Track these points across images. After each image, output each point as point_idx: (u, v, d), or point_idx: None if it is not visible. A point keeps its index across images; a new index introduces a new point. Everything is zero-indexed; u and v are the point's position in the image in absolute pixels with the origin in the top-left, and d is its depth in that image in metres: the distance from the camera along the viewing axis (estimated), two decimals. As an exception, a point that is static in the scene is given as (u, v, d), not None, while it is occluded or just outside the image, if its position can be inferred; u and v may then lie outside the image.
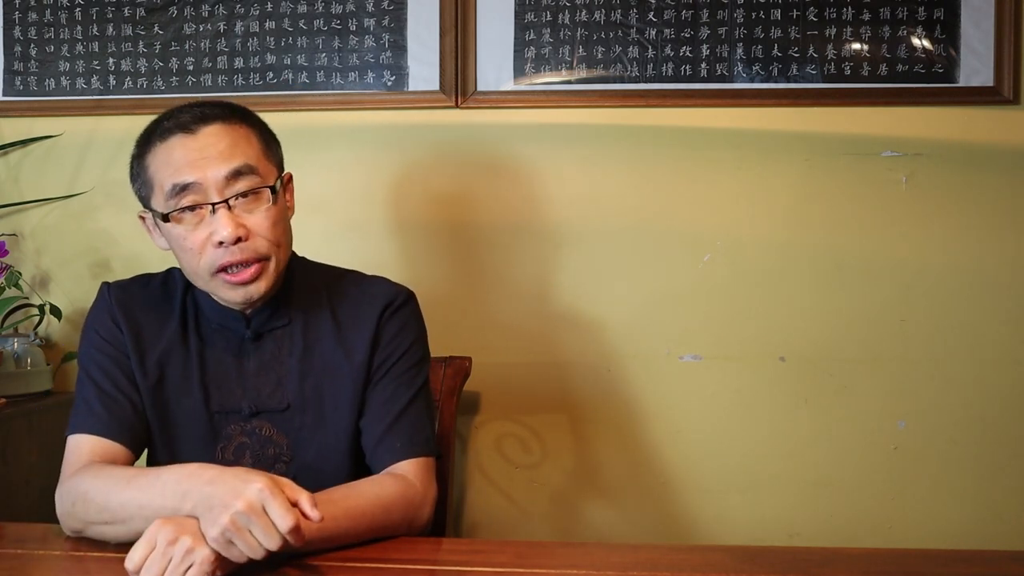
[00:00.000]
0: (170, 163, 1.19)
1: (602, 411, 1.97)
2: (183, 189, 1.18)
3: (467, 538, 1.96)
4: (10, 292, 1.92)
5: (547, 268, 1.98)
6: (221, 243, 1.18)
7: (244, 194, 1.20)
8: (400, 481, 1.20)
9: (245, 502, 0.95)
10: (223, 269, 1.20)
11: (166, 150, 1.20)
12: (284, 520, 0.94)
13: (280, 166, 1.29)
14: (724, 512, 1.95)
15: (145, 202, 1.25)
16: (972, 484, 1.91)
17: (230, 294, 1.22)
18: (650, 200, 1.95)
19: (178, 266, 1.34)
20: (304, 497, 0.98)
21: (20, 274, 1.95)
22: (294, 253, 1.33)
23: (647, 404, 1.96)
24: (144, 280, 1.34)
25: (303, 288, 1.31)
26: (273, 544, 0.94)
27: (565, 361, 1.98)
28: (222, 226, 1.17)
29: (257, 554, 0.95)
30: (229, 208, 1.19)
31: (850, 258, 1.92)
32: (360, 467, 1.28)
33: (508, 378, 1.98)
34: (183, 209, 1.19)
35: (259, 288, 1.22)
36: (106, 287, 1.32)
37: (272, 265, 1.22)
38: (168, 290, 1.32)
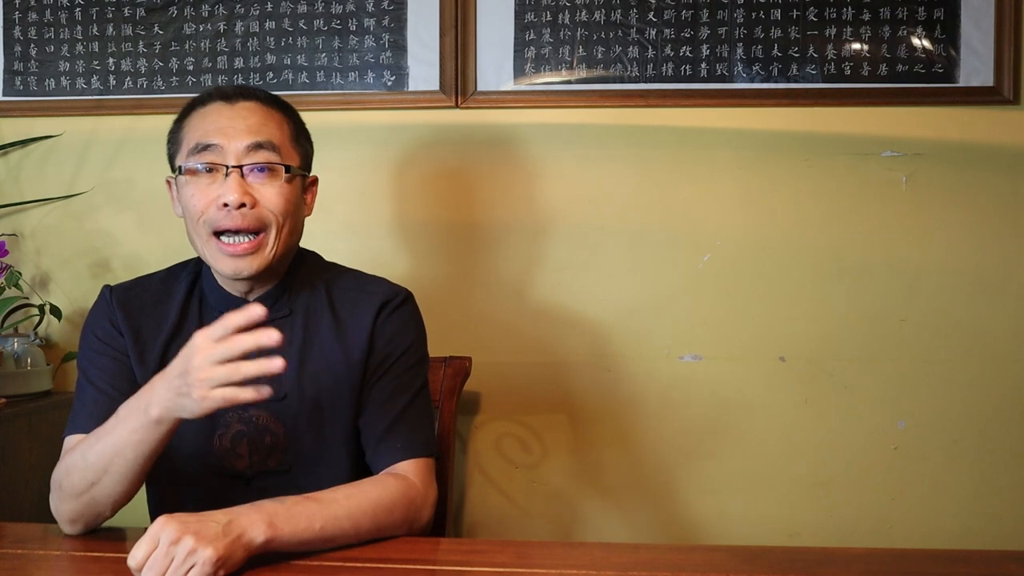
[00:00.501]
0: (202, 125, 1.24)
1: (602, 411, 1.97)
2: (204, 148, 1.22)
3: (467, 538, 1.96)
4: (10, 292, 1.92)
5: (547, 268, 1.98)
6: (226, 205, 1.20)
7: (261, 169, 1.23)
8: (401, 481, 1.20)
9: (193, 349, 1.00)
10: (221, 233, 1.22)
11: (202, 114, 1.26)
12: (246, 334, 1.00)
13: (306, 161, 1.32)
14: (724, 512, 1.95)
15: (172, 160, 1.29)
16: (972, 484, 1.91)
17: (222, 263, 1.23)
18: (650, 200, 1.95)
19: (179, 261, 1.36)
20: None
21: (20, 274, 1.95)
22: (302, 248, 1.35)
23: (647, 404, 1.96)
24: (145, 279, 1.35)
25: (306, 282, 1.33)
26: (234, 348, 0.98)
27: (565, 361, 1.98)
28: (230, 189, 1.20)
29: (236, 373, 0.98)
30: (242, 176, 1.22)
31: (850, 258, 1.92)
32: (358, 463, 1.29)
33: (508, 378, 1.98)
34: (199, 166, 1.22)
35: (251, 264, 1.23)
36: (107, 289, 1.33)
37: (270, 239, 1.24)
38: (170, 285, 1.33)
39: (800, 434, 1.94)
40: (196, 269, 1.34)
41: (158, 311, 1.31)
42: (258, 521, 1.03)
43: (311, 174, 1.34)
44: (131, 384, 1.26)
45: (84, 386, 1.27)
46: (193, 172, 1.23)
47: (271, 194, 1.23)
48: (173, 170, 1.29)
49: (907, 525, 1.92)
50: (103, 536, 1.17)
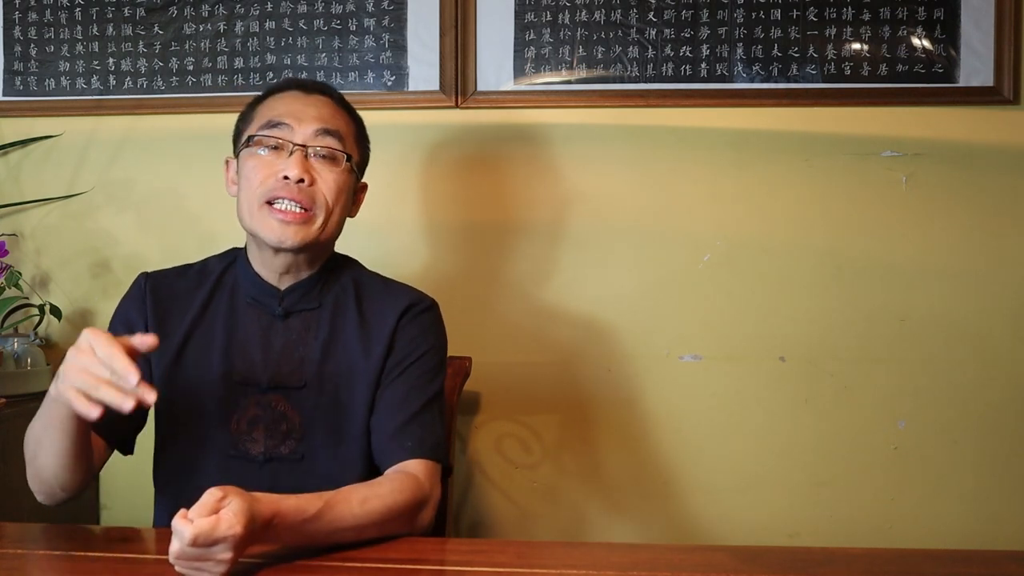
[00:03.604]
0: (275, 107, 1.31)
1: (602, 411, 1.97)
2: (275, 125, 1.29)
3: (467, 538, 1.96)
4: (10, 292, 1.92)
5: (546, 268, 1.98)
6: (286, 178, 1.25)
7: (324, 155, 1.28)
8: (412, 481, 1.20)
9: (77, 345, 1.01)
10: (274, 200, 1.26)
11: (278, 98, 1.33)
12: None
13: (364, 163, 1.38)
14: (724, 512, 1.95)
15: (236, 140, 1.35)
16: (972, 484, 1.91)
17: (269, 228, 1.26)
18: (650, 200, 1.95)
19: (216, 253, 1.39)
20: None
21: (20, 274, 1.95)
22: (335, 251, 1.38)
23: (647, 404, 1.96)
24: (183, 268, 1.39)
25: (337, 279, 1.36)
26: (99, 369, 0.97)
27: (565, 361, 1.98)
28: (292, 164, 1.26)
29: (92, 389, 0.97)
30: (306, 156, 1.27)
31: (850, 258, 1.92)
32: (370, 459, 1.29)
33: (508, 378, 1.98)
34: (268, 137, 1.28)
35: (296, 234, 1.26)
36: (143, 277, 1.36)
37: (319, 218, 1.28)
38: (204, 274, 1.37)
39: (800, 434, 1.94)
40: (231, 257, 1.38)
41: (190, 293, 1.34)
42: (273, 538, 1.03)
43: (363, 180, 1.40)
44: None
45: None
46: (260, 143, 1.28)
47: (330, 178, 1.28)
48: (236, 151, 1.34)
49: (907, 525, 1.92)
50: (103, 536, 1.18)
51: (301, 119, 1.28)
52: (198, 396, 1.29)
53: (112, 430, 1.28)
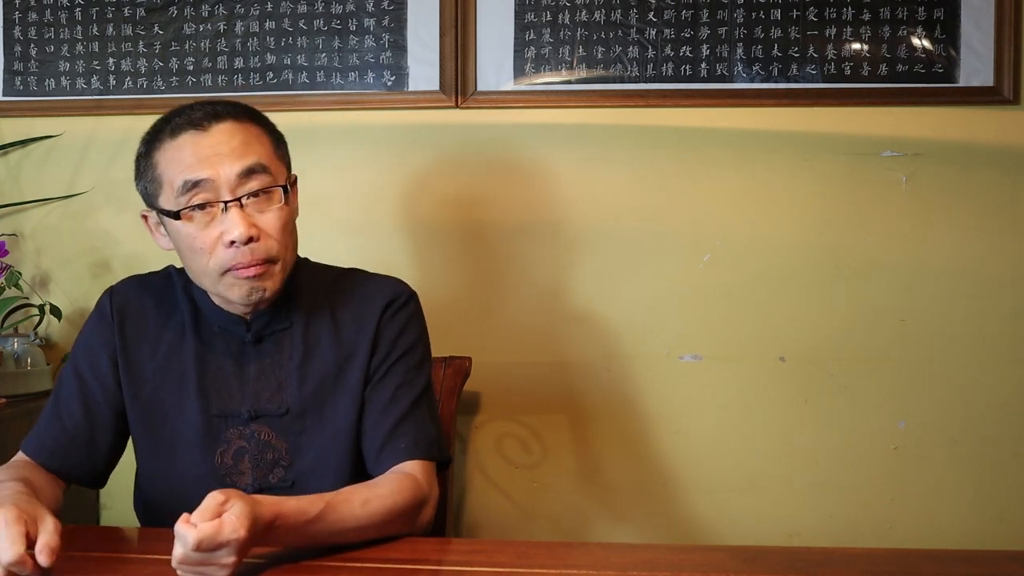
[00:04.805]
0: (181, 160, 1.17)
1: (602, 411, 1.97)
2: (194, 186, 1.16)
3: (467, 538, 1.96)
4: (10, 292, 1.92)
5: (546, 268, 1.98)
6: (233, 243, 1.16)
7: (255, 193, 1.18)
8: (411, 482, 1.19)
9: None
10: (232, 269, 1.18)
11: (176, 147, 1.18)
12: (4, 552, 0.91)
13: (289, 166, 1.28)
14: (724, 512, 1.95)
15: (151, 200, 1.23)
16: (972, 484, 1.91)
17: (237, 292, 1.20)
18: (650, 200, 1.95)
19: (176, 265, 1.34)
20: (44, 542, 0.93)
21: (20, 274, 1.95)
22: (297, 255, 1.32)
23: (647, 404, 1.96)
24: (144, 281, 1.33)
25: (305, 290, 1.30)
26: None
27: (565, 361, 1.98)
28: (234, 225, 1.15)
29: None
30: (241, 207, 1.17)
31: (850, 258, 1.92)
32: (359, 471, 1.27)
33: (508, 378, 1.98)
34: (194, 207, 1.17)
35: (263, 286, 1.20)
36: (107, 298, 1.30)
37: (279, 267, 1.21)
38: (167, 291, 1.31)
39: (800, 434, 1.94)
40: (182, 285, 1.30)
41: (159, 315, 1.29)
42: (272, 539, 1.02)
43: (291, 173, 1.29)
44: (91, 417, 1.26)
45: (51, 402, 1.28)
46: (188, 217, 1.17)
47: (271, 220, 1.19)
48: (150, 206, 1.23)
49: (907, 525, 1.92)
50: (104, 536, 1.17)
51: (216, 165, 1.15)
52: (178, 433, 1.25)
53: (79, 479, 1.26)
